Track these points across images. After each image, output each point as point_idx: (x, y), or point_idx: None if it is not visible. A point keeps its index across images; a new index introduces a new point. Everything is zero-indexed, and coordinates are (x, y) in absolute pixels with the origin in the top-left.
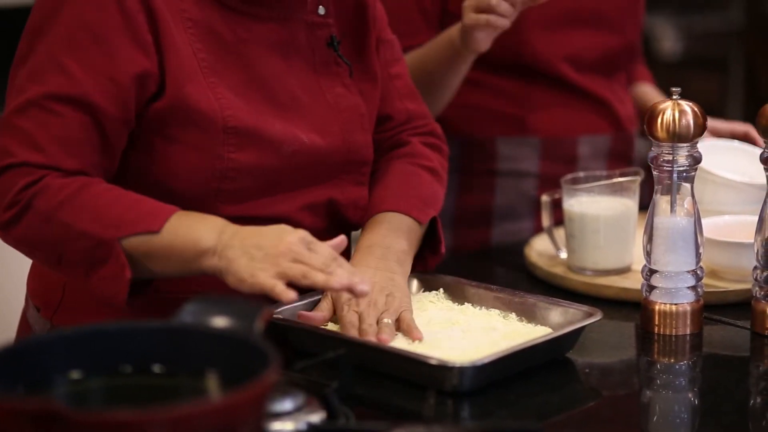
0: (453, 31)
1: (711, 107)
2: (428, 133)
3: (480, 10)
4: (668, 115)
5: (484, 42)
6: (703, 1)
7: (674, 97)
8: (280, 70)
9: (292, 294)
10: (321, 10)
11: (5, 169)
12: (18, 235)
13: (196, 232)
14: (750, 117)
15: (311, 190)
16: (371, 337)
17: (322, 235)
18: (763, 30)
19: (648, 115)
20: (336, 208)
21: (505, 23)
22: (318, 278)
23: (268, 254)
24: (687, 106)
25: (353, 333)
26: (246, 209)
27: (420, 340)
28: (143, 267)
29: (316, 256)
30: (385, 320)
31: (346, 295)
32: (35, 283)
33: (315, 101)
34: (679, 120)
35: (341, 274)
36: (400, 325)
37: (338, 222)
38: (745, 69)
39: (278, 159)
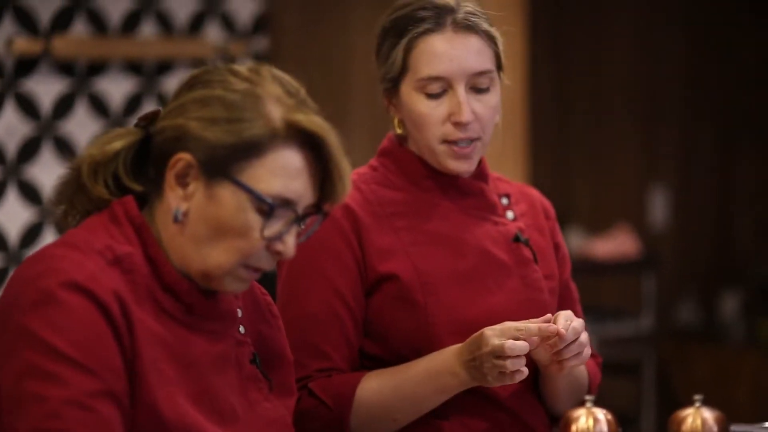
0: (451, 363)
1: (625, 411)
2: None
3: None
4: (582, 424)
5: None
6: (615, 308)
7: (588, 405)
8: (222, 383)
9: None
10: (241, 329)
11: None
12: None
13: None
14: (663, 421)
15: None
16: None
17: None
18: (673, 335)
19: (562, 424)
20: None
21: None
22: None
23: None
24: (601, 413)
25: None
26: None
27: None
28: None
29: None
30: None
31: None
32: None
33: (247, 414)
34: (593, 429)
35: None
36: None
37: None
38: (657, 372)
39: None
